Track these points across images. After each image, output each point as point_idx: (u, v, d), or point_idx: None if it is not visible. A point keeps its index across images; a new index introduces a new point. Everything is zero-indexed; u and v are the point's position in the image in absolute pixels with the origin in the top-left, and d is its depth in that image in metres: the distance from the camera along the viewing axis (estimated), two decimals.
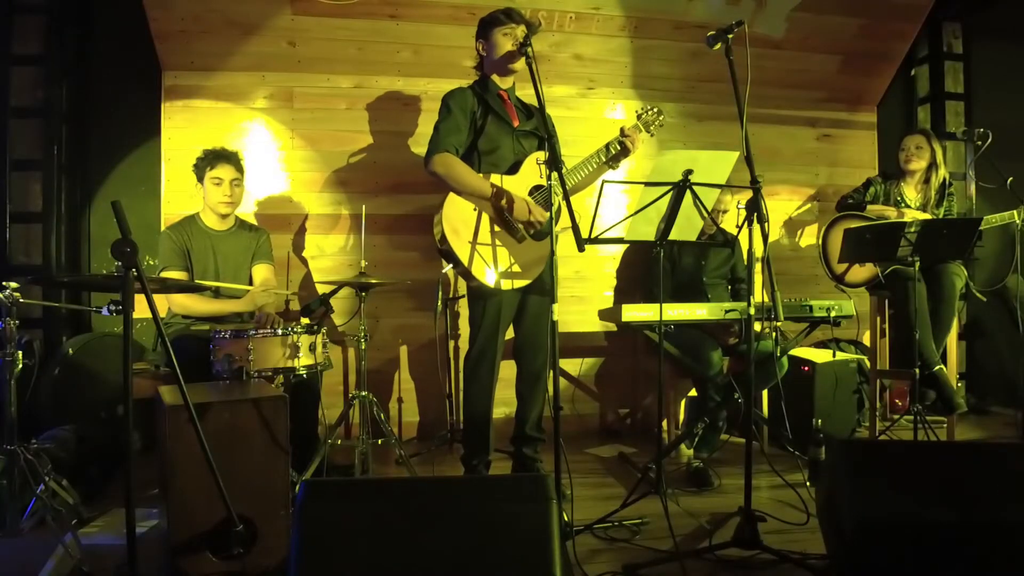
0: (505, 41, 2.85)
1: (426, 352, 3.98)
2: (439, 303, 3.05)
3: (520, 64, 2.86)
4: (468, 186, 2.76)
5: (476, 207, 2.77)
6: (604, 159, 2.95)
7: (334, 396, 3.77)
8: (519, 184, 2.84)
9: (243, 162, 3.26)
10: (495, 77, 2.96)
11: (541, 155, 2.86)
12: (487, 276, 2.74)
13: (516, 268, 2.80)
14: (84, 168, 3.87)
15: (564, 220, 2.56)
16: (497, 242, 2.77)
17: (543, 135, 2.96)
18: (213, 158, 3.15)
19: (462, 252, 2.72)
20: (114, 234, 1.71)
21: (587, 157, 2.95)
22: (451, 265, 2.78)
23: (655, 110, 3.13)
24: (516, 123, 2.94)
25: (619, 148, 2.94)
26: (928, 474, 1.89)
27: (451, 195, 2.76)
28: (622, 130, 2.95)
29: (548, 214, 2.80)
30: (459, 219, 2.74)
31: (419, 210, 3.93)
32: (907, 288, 3.31)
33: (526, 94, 3.04)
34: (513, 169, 2.88)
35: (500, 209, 2.76)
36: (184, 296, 3.05)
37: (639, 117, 3.09)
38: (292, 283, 3.83)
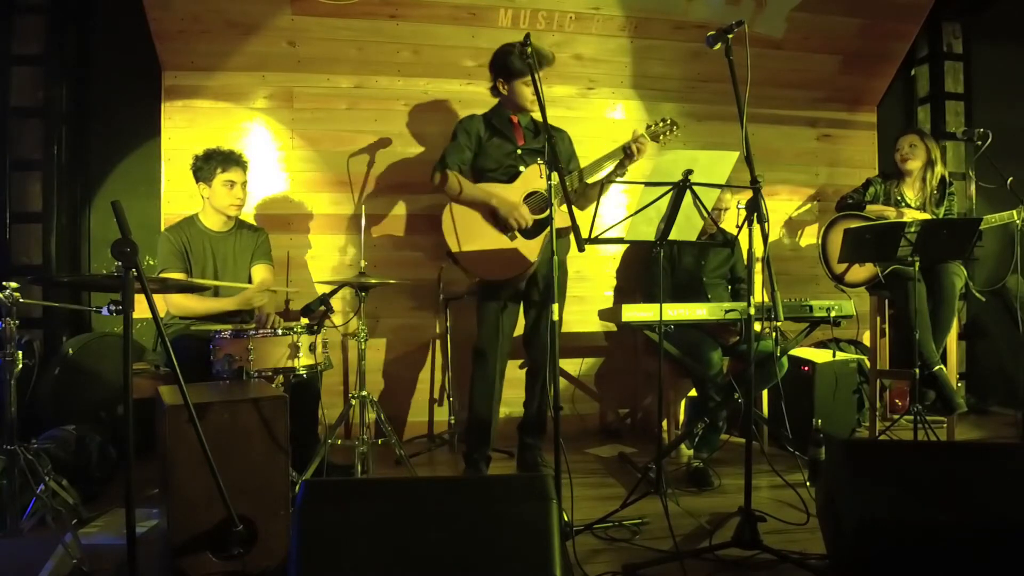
0: (527, 92, 3.04)
1: (425, 352, 3.98)
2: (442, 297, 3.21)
3: (533, 107, 3.06)
4: (463, 195, 3.03)
5: (471, 211, 3.03)
6: (614, 166, 3.07)
7: (334, 396, 3.77)
8: (515, 191, 3.04)
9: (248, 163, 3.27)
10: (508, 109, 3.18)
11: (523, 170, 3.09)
12: (480, 270, 3.01)
13: (506, 262, 2.99)
14: (84, 168, 3.87)
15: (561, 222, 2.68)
16: (488, 240, 3.01)
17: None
18: (224, 160, 3.12)
19: (457, 251, 3.01)
20: (114, 234, 1.71)
21: (599, 161, 3.07)
22: (459, 266, 3.07)
23: (668, 121, 3.19)
24: (521, 142, 3.14)
25: (623, 154, 3.05)
26: (928, 474, 1.89)
27: (448, 206, 3.05)
28: (634, 136, 3.05)
29: (529, 217, 3.00)
30: (454, 221, 3.02)
31: (419, 210, 3.93)
32: (907, 288, 3.30)
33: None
34: (512, 179, 3.08)
35: (492, 211, 3.00)
36: (182, 296, 3.04)
37: (648, 128, 3.15)
38: (292, 283, 3.83)
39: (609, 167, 3.08)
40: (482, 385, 3.05)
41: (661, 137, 3.17)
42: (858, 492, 1.84)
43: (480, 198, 3.01)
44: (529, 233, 3.01)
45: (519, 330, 3.20)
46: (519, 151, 3.12)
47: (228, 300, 3.10)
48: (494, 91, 3.17)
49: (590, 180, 3.11)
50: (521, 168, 3.08)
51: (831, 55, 4.34)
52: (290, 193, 3.90)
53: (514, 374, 3.31)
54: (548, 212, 2.96)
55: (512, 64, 3.03)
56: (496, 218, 3.01)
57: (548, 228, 2.97)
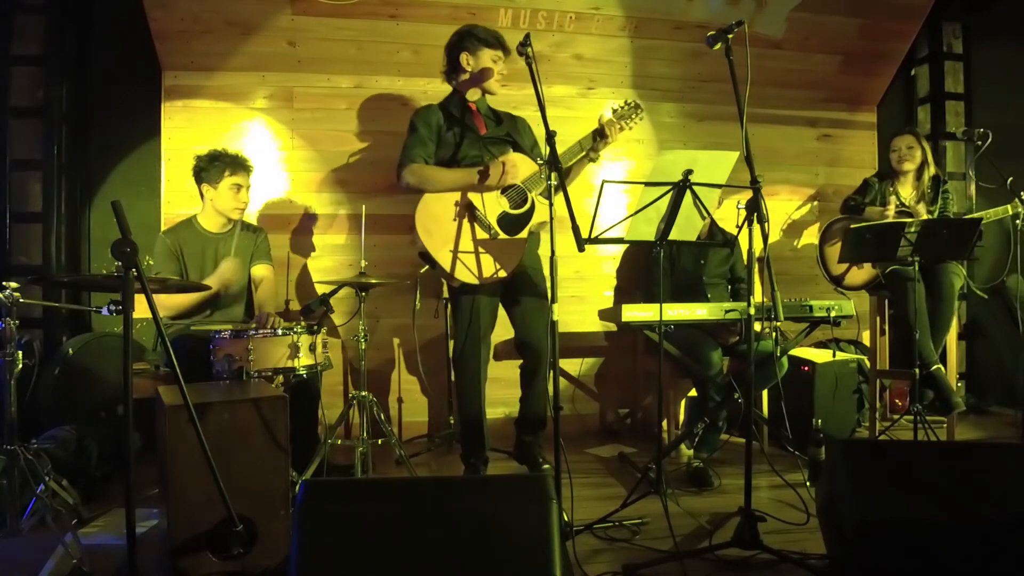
0: (493, 67, 3.00)
1: (426, 352, 3.98)
2: (417, 302, 3.09)
3: (497, 87, 3.05)
4: (443, 182, 2.89)
5: (449, 206, 2.87)
6: (588, 148, 2.99)
7: (334, 396, 3.77)
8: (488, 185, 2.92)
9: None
10: (467, 91, 3.07)
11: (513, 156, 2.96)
12: (461, 273, 2.85)
13: (488, 263, 2.88)
14: (84, 168, 3.87)
15: (539, 215, 2.80)
16: (468, 238, 2.87)
17: (514, 140, 3.11)
18: (231, 164, 3.11)
19: (435, 251, 2.84)
20: (114, 234, 1.71)
21: (572, 146, 3.00)
22: (428, 266, 2.91)
23: (632, 103, 3.12)
24: (484, 131, 3.05)
25: (591, 141, 2.99)
26: (928, 474, 1.89)
27: (422, 198, 2.88)
28: (600, 121, 2.99)
29: (519, 172, 2.90)
30: (430, 219, 2.86)
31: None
32: (906, 288, 3.31)
33: (495, 100, 3.18)
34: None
35: (471, 205, 2.86)
36: (168, 297, 2.98)
37: (614, 112, 3.09)
38: (292, 283, 3.83)
39: (581, 152, 2.99)
40: (469, 387, 2.98)
41: (625, 121, 3.06)
42: (858, 492, 1.84)
43: (464, 178, 2.87)
44: (511, 230, 2.92)
45: (510, 332, 3.10)
46: (482, 141, 3.01)
47: (209, 281, 2.98)
48: (450, 73, 3.09)
49: (565, 165, 2.95)
50: (487, 159, 2.95)
51: (831, 55, 4.34)
52: (290, 193, 3.90)
53: (513, 374, 3.28)
54: (528, 207, 2.95)
55: (478, 32, 3.00)
56: (475, 215, 2.87)
57: (529, 224, 2.96)
